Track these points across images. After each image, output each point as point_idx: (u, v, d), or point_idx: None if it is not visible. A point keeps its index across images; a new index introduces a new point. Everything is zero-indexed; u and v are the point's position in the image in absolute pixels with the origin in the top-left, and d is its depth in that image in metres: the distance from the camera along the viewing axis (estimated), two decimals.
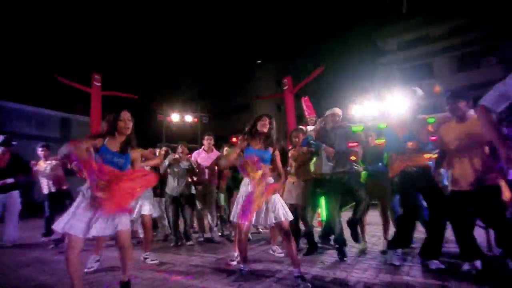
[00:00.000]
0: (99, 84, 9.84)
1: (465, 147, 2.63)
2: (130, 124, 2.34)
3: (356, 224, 3.43)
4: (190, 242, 4.34)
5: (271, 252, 3.63)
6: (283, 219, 2.54)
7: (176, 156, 4.39)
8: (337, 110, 3.69)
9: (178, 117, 15.59)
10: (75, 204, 2.17)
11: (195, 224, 5.10)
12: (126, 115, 2.33)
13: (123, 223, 2.20)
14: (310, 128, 5.64)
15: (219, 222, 5.01)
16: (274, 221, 2.54)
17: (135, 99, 10.83)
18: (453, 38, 18.98)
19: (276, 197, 2.65)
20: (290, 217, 2.64)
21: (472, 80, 17.81)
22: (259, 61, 24.44)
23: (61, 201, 4.61)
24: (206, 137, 4.90)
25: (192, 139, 13.98)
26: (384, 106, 11.04)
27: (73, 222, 2.07)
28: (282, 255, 3.48)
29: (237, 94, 23.00)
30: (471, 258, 2.63)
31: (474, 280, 2.48)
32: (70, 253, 2.03)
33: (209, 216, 4.74)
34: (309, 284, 2.33)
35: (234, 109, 22.73)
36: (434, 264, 2.80)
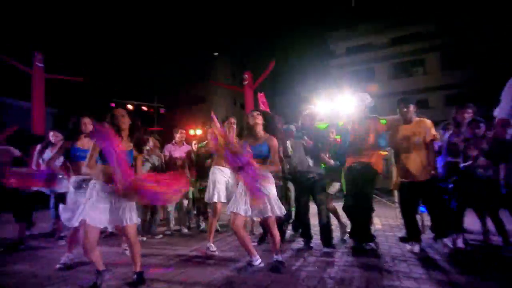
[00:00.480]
0: (41, 65, 8.86)
1: (411, 146, 3.25)
2: (126, 120, 2.42)
3: (325, 228, 3.50)
4: (160, 236, 4.41)
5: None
6: (278, 213, 2.71)
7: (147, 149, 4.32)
8: (313, 109, 3.84)
9: (132, 107, 14.76)
10: (87, 196, 2.27)
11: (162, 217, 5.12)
12: (120, 112, 2.43)
13: (132, 218, 2.35)
14: None
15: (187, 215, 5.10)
16: (269, 215, 2.68)
17: (88, 84, 10.02)
18: (392, 47, 21.35)
19: (272, 192, 2.73)
20: (282, 212, 2.75)
21: (405, 87, 20.47)
22: (216, 53, 24.18)
23: None
24: (178, 130, 4.93)
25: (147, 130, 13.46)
26: (335, 106, 12.10)
27: (90, 213, 2.19)
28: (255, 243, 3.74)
29: (193, 86, 22.49)
30: (412, 239, 3.31)
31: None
32: (87, 242, 2.18)
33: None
34: (285, 265, 2.71)
35: (191, 100, 22.21)
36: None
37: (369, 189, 3.48)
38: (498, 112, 3.50)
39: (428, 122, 3.32)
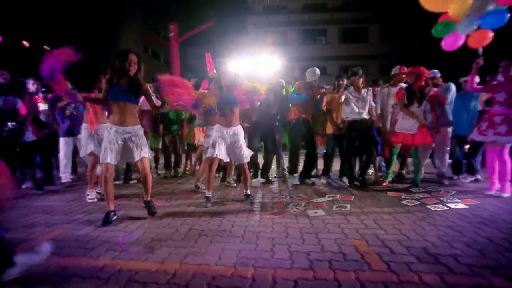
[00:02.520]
0: None
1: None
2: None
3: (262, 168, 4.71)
4: (134, 181, 4.81)
5: (226, 183, 4.42)
6: (247, 160, 3.37)
7: None
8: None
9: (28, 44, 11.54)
10: (105, 138, 2.66)
11: None
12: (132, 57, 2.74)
13: (145, 152, 2.77)
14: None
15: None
16: (243, 161, 3.33)
17: None
18: (302, 14, 23.04)
19: (242, 140, 3.35)
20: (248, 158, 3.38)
21: (311, 53, 22.94)
22: None
23: None
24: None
25: None
26: (255, 64, 12.89)
27: (107, 153, 2.60)
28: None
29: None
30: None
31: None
32: (108, 176, 2.62)
33: None
34: (253, 199, 3.44)
35: (97, 44, 18.51)
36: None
37: (313, 137, 4.58)
38: None
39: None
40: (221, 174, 4.91)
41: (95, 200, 3.53)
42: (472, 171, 4.43)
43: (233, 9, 26.22)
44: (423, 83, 3.83)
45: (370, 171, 5.04)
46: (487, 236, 2.25)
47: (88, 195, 3.57)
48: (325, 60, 23.08)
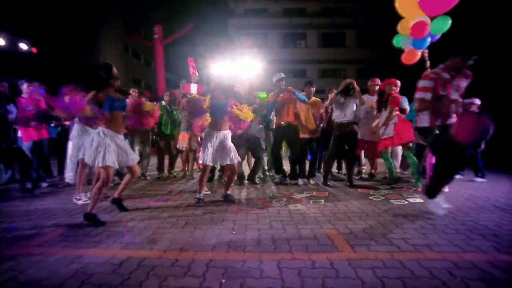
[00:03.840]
0: None
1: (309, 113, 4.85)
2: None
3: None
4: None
5: (224, 181, 4.66)
6: (235, 162, 3.56)
7: None
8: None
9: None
10: (100, 143, 2.83)
11: None
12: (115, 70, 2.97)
13: (135, 158, 3.19)
14: (193, 85, 6.58)
15: None
16: (231, 163, 3.51)
17: None
18: (283, 18, 23.65)
19: (231, 143, 3.58)
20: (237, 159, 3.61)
21: (290, 56, 23.60)
22: None
23: None
24: (131, 89, 5.19)
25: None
26: (237, 67, 13.23)
27: (108, 157, 2.82)
28: None
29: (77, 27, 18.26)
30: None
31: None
32: (108, 181, 2.86)
33: None
34: (233, 198, 3.74)
35: (77, 44, 17.92)
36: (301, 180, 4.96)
37: (298, 140, 4.92)
38: None
39: (319, 101, 5.01)
40: (220, 173, 5.29)
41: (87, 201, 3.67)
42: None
43: (214, 11, 26.39)
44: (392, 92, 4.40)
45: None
46: (432, 224, 2.76)
47: (79, 199, 3.69)
48: (305, 63, 23.88)
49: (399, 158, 5.36)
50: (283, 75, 4.96)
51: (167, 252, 2.18)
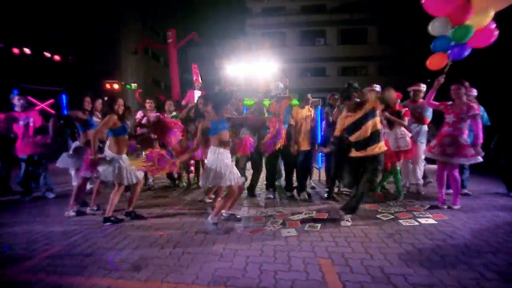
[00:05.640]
0: None
1: (305, 124, 4.54)
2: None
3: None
4: None
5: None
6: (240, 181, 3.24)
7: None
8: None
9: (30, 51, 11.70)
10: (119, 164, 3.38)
11: None
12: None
13: (140, 175, 3.56)
14: (197, 92, 6.52)
15: None
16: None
17: None
18: (301, 15, 23.16)
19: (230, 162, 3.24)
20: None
21: (308, 55, 23.10)
22: None
23: None
24: (147, 100, 5.34)
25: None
26: (251, 69, 13.11)
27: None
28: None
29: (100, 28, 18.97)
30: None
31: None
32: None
33: None
34: (239, 218, 3.54)
35: (102, 45, 18.49)
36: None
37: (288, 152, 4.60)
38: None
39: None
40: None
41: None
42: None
43: (231, 11, 26.40)
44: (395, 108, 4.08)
45: None
46: (442, 254, 2.49)
47: (71, 213, 3.77)
48: (324, 61, 23.25)
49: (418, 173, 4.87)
50: (281, 85, 4.76)
51: (147, 283, 2.11)
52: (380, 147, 3.24)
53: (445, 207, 3.82)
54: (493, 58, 8.68)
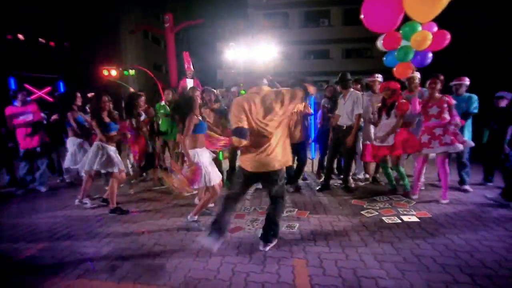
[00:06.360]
0: None
1: (296, 115, 4.44)
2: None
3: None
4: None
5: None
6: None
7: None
8: None
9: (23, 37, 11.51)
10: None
11: None
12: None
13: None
14: (189, 81, 6.37)
15: None
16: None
17: None
18: None
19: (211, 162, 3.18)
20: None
21: (312, 36, 22.39)
22: None
23: None
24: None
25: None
26: (252, 53, 12.82)
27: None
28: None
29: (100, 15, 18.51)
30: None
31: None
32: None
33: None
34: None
35: (100, 31, 18.14)
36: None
37: None
38: None
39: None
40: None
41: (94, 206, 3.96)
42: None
43: None
44: (397, 97, 3.93)
45: (360, 176, 5.17)
46: (418, 255, 2.48)
47: (86, 203, 3.95)
48: (328, 43, 22.54)
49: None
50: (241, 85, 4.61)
51: (121, 284, 2.15)
52: None
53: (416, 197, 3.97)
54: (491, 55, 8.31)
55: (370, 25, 3.50)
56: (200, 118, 3.10)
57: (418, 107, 3.83)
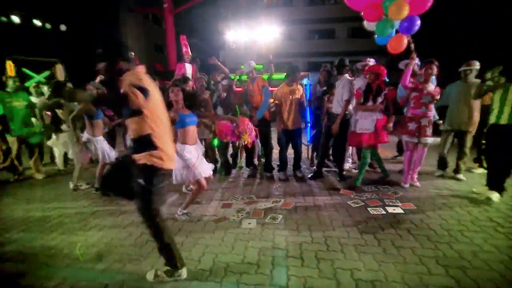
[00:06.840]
0: None
1: (290, 102, 4.38)
2: None
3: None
4: None
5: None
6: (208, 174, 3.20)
7: None
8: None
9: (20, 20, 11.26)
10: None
11: None
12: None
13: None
14: (187, 65, 6.24)
15: None
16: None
17: None
18: None
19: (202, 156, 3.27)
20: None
21: (317, 15, 21.60)
22: None
23: None
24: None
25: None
26: (253, 33, 12.52)
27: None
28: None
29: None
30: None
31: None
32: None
33: None
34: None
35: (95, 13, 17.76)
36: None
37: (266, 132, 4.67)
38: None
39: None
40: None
41: None
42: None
43: None
44: (381, 82, 3.81)
45: (348, 164, 5.12)
46: (398, 246, 2.51)
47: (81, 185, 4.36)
48: (334, 22, 21.74)
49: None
50: (253, 64, 4.56)
51: (104, 273, 2.24)
52: None
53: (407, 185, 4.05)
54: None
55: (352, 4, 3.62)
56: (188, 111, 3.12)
57: (407, 81, 3.78)
